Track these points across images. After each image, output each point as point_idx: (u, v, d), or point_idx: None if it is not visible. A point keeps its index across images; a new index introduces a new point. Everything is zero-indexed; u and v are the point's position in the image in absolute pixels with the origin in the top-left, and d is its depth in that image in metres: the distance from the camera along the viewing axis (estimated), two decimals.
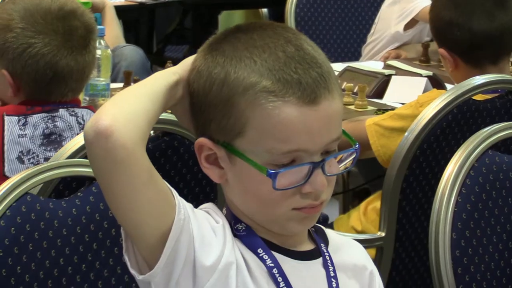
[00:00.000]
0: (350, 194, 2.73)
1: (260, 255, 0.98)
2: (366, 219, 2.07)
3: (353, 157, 0.98)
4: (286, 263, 0.99)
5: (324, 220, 1.94)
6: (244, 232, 0.99)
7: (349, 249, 1.07)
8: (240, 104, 0.92)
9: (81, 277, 1.27)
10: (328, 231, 1.07)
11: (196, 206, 1.00)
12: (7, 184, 1.23)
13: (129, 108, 0.93)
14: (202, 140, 0.96)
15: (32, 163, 1.67)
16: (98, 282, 1.27)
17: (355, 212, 2.19)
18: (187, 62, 1.00)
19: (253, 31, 0.98)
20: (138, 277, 0.95)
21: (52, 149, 1.71)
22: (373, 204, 2.06)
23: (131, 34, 3.37)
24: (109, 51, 2.13)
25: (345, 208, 2.62)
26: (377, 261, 1.87)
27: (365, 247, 1.69)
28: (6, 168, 1.64)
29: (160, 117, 1.21)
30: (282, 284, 0.97)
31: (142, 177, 0.92)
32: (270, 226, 0.99)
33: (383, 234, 1.88)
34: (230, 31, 0.99)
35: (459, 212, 1.44)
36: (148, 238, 0.93)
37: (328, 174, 0.94)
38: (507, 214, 1.56)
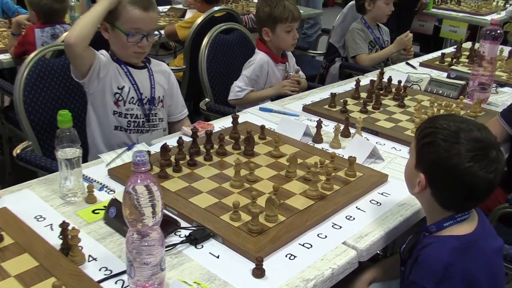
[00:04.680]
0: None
1: (122, 66, 1.75)
2: (179, 61, 3.30)
3: (158, 36, 2.01)
4: (132, 69, 1.76)
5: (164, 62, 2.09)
6: (116, 59, 1.75)
7: (160, 65, 1.84)
8: (119, 8, 1.70)
9: (71, 95, 1.94)
10: (152, 60, 1.80)
11: None
12: (36, 52, 1.96)
13: (81, 29, 1.62)
14: (103, 22, 1.72)
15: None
16: (81, 99, 1.92)
17: (176, 59, 3.49)
18: None
19: None
20: (79, 81, 1.70)
21: (54, 40, 2.66)
22: (182, 54, 3.19)
23: None
24: (78, 3, 3.31)
25: (175, 57, 3.81)
26: (185, 78, 2.98)
27: (179, 71, 3.20)
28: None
29: None
30: (130, 77, 1.73)
31: (84, 56, 1.65)
32: (124, 58, 1.74)
33: (185, 66, 3.03)
34: None
35: (207, 59, 2.50)
36: (84, 69, 1.69)
37: (149, 41, 1.71)
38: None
